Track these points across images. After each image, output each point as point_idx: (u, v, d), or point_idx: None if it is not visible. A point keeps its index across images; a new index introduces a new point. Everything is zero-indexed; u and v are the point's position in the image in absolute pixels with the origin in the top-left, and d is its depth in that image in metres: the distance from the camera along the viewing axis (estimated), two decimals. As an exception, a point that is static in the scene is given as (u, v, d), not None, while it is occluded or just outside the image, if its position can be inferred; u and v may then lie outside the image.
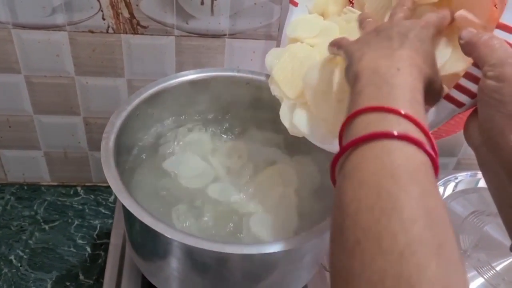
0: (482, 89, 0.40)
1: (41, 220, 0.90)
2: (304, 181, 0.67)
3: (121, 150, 0.62)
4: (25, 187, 0.95)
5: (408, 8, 0.49)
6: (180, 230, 0.50)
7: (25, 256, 0.84)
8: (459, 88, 0.43)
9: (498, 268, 0.73)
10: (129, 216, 0.57)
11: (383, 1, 0.57)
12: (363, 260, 0.29)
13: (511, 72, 0.38)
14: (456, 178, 0.83)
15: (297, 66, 0.60)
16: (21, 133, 0.89)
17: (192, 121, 0.74)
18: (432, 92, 0.43)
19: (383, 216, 0.30)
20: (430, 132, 0.36)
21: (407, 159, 0.33)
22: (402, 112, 0.35)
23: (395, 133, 0.34)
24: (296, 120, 0.58)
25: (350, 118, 0.38)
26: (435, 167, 0.35)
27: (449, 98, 0.43)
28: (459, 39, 0.42)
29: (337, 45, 0.50)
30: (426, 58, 0.42)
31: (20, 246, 0.85)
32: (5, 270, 0.82)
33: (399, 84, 0.38)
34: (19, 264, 0.83)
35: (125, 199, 0.52)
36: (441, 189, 0.82)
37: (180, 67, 0.82)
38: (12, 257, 0.84)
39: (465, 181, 0.83)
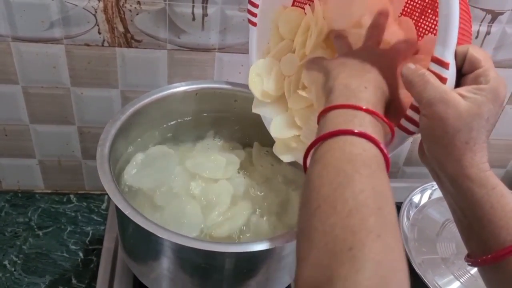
0: (419, 123, 0.46)
1: (35, 226, 0.92)
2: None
3: (115, 157, 0.65)
4: (20, 195, 0.98)
5: (381, 31, 0.55)
6: (170, 230, 0.54)
7: (19, 261, 0.87)
8: (407, 118, 0.47)
9: (472, 272, 0.77)
10: (122, 218, 0.61)
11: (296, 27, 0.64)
12: (321, 218, 0.37)
13: (439, 111, 0.43)
14: (433, 186, 0.87)
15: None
16: (17, 142, 0.92)
17: (182, 131, 0.78)
18: (393, 111, 0.50)
19: (339, 187, 0.38)
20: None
21: (364, 150, 0.41)
22: (364, 107, 0.44)
23: (356, 130, 0.42)
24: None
25: (322, 114, 0.45)
26: (387, 161, 0.42)
27: (400, 127, 0.48)
28: (401, 75, 0.47)
29: (315, 63, 0.57)
30: (390, 83, 0.49)
31: (14, 251, 0.88)
32: (0, 274, 0.84)
33: (364, 98, 0.45)
34: (13, 269, 0.85)
35: (119, 201, 0.55)
36: (418, 197, 0.87)
37: (172, 79, 0.86)
38: (6, 262, 0.86)
39: (441, 189, 0.87)
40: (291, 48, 0.67)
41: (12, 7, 0.75)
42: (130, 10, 0.77)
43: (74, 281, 0.85)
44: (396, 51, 0.53)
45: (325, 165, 0.40)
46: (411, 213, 0.85)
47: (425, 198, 0.87)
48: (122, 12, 0.77)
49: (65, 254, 0.89)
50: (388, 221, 0.36)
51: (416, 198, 0.86)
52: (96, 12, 0.77)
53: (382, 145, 0.41)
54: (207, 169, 0.70)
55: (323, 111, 0.45)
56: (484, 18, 0.84)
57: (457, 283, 0.76)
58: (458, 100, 0.43)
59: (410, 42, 0.55)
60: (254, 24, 0.68)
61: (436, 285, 0.74)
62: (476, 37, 0.87)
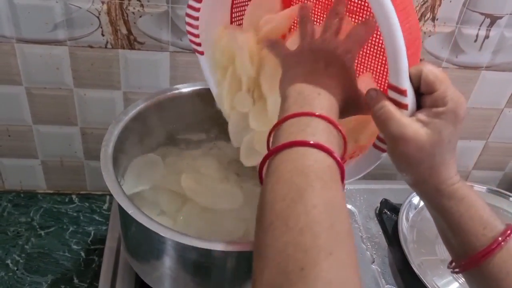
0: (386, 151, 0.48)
1: (37, 226, 0.93)
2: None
3: (117, 158, 0.66)
4: (22, 195, 0.99)
5: (340, 18, 0.53)
6: (173, 230, 0.54)
7: (21, 260, 0.87)
8: (379, 139, 0.49)
9: (470, 273, 0.77)
10: (125, 218, 0.61)
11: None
12: (274, 236, 0.36)
13: (401, 147, 0.44)
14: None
15: None
16: (20, 142, 0.93)
17: (184, 133, 0.79)
18: (353, 108, 0.50)
19: (292, 203, 0.37)
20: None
21: (316, 162, 0.40)
22: (317, 113, 0.43)
23: (310, 142, 0.41)
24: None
25: (276, 126, 0.45)
26: (342, 170, 0.41)
27: (375, 146, 0.50)
28: (364, 101, 0.48)
29: (273, 49, 0.57)
30: (345, 84, 0.49)
31: (16, 251, 0.89)
32: (2, 273, 0.85)
33: (317, 104, 0.45)
34: (16, 268, 0.86)
35: (122, 201, 0.56)
36: (417, 199, 0.87)
37: (174, 81, 0.87)
38: (8, 261, 0.87)
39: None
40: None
41: (17, 9, 0.76)
42: (133, 13, 0.78)
43: (76, 280, 0.86)
44: (354, 41, 0.51)
45: (278, 178, 0.39)
46: (410, 215, 0.86)
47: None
48: (125, 14, 0.78)
49: (67, 254, 0.89)
50: (340, 237, 0.36)
51: (415, 200, 0.87)
52: (99, 14, 0.78)
53: (335, 154, 0.41)
54: (206, 197, 0.70)
55: (278, 122, 0.45)
56: (483, 22, 0.85)
57: (456, 284, 0.77)
58: (418, 133, 0.44)
59: (368, 25, 0.51)
60: (201, 53, 0.65)
61: (435, 286, 0.75)
62: (475, 40, 0.88)
